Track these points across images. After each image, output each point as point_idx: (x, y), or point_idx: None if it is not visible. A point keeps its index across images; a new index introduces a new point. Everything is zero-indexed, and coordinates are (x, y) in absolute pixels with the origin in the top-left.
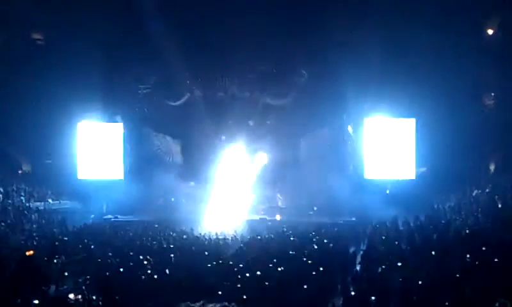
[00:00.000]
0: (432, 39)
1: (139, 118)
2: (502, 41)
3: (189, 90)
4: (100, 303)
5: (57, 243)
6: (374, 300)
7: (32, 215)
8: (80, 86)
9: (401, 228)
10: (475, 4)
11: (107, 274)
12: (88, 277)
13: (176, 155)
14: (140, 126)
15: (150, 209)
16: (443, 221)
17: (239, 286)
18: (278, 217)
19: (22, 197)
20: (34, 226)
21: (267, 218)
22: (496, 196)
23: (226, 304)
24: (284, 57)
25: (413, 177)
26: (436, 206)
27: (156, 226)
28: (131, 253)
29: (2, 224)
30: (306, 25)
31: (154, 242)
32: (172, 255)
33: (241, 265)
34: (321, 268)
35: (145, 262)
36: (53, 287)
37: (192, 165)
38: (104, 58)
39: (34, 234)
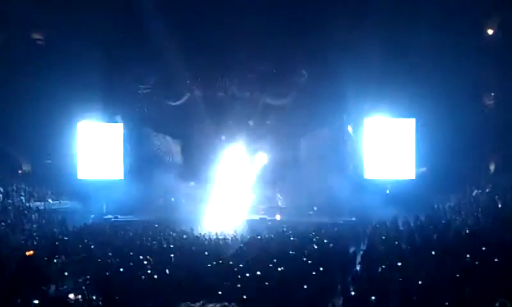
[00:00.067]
0: (432, 39)
1: (139, 117)
2: (502, 41)
3: (189, 90)
4: (100, 303)
5: (57, 243)
6: (374, 300)
7: (32, 215)
8: (80, 86)
9: (401, 228)
10: (475, 4)
11: (107, 274)
12: (88, 277)
13: (176, 155)
14: (140, 126)
15: (150, 209)
16: (443, 221)
17: (239, 286)
18: (278, 217)
19: (22, 197)
20: (34, 226)
21: (267, 218)
22: (496, 196)
23: (226, 304)
24: (284, 57)
25: (413, 177)
26: (436, 206)
27: (156, 226)
28: (131, 253)
29: (2, 224)
30: (306, 25)
31: (154, 242)
32: (172, 255)
33: (241, 265)
34: (321, 268)
35: (145, 262)
36: (53, 287)
37: (192, 165)
38: (104, 58)
39: (34, 234)
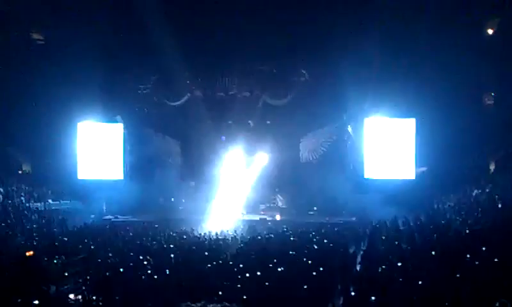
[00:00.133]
0: (432, 39)
1: (139, 118)
2: (502, 41)
3: (189, 90)
4: (100, 303)
5: (57, 243)
6: (374, 300)
7: (32, 215)
8: (80, 86)
9: (401, 228)
10: (475, 4)
11: (107, 274)
12: (88, 277)
13: (176, 155)
14: (140, 126)
15: (150, 209)
16: (443, 221)
17: (239, 286)
18: (278, 217)
19: (22, 197)
20: (34, 226)
21: (267, 218)
22: (496, 196)
23: (227, 304)
24: (284, 57)
25: (413, 177)
26: (436, 206)
27: (156, 226)
28: (131, 253)
29: (2, 224)
30: (306, 25)
31: (154, 242)
32: (172, 255)
33: (241, 265)
34: (321, 268)
35: (145, 262)
36: (53, 287)
37: (192, 165)
38: (104, 58)
39: (34, 234)
